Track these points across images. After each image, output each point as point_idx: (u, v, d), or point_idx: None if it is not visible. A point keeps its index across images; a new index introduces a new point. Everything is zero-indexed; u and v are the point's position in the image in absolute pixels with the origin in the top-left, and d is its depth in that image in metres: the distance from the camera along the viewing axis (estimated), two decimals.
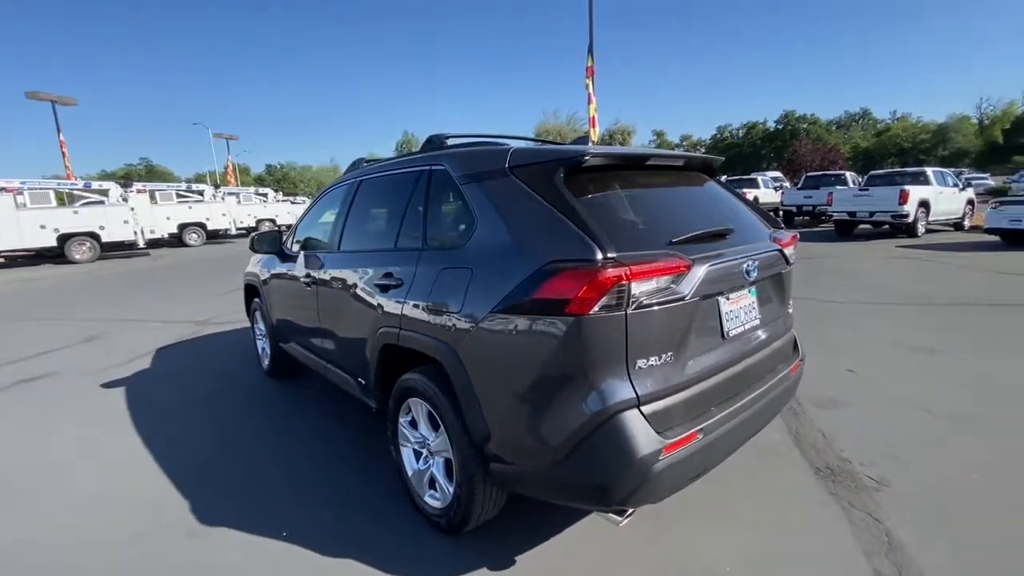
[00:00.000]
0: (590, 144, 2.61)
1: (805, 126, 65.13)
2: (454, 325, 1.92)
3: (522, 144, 2.33)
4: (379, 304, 2.41)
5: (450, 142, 2.54)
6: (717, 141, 71.16)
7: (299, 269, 3.36)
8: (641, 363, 1.67)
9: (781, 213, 16.93)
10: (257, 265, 4.26)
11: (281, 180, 66.06)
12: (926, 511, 2.26)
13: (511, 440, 1.81)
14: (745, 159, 68.07)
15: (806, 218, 16.89)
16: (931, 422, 3.05)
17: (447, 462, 2.19)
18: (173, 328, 6.15)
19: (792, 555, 2.05)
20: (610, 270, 1.58)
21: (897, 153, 61.68)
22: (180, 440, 3.18)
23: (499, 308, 1.77)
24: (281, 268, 3.68)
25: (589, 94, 13.21)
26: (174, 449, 3.07)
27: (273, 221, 22.87)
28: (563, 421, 1.67)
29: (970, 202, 13.82)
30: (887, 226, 12.51)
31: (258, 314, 4.40)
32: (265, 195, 24.33)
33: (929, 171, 12.91)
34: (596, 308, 1.59)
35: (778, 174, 24.13)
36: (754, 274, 2.04)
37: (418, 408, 2.27)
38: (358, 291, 2.63)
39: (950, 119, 64.90)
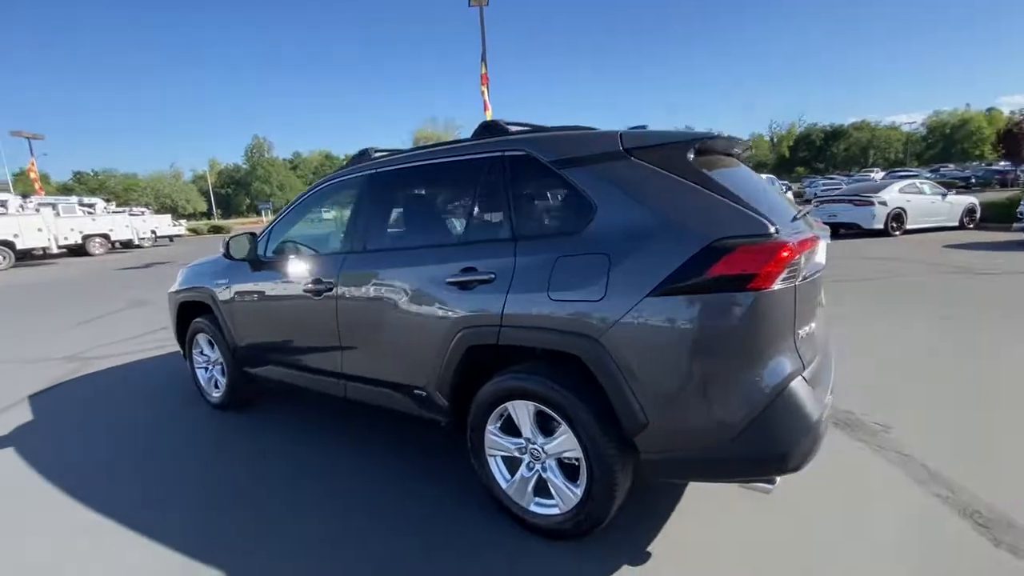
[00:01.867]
0: None
1: None
2: (595, 314, 1.81)
3: (598, 133, 2.26)
4: (457, 303, 2.17)
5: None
6: None
7: (292, 278, 2.88)
8: (800, 332, 1.76)
9: None
10: (203, 280, 3.55)
11: (97, 189, 55.50)
12: (936, 442, 2.69)
13: (675, 426, 1.76)
14: None
15: None
16: (883, 372, 3.65)
17: (563, 464, 2.05)
18: (39, 369, 4.82)
19: (861, 496, 2.29)
20: (789, 243, 1.64)
21: None
22: (147, 524, 2.34)
23: (659, 290, 1.71)
24: (256, 280, 3.12)
25: (485, 101, 13.38)
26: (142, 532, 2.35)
27: (106, 236, 19.12)
28: (741, 397, 1.68)
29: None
30: None
31: (202, 339, 3.67)
32: (92, 205, 20.22)
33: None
34: (777, 281, 1.63)
35: None
36: None
37: (520, 411, 2.09)
38: (413, 293, 2.33)
39: (751, 137, 78.59)
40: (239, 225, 46.09)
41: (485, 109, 13.46)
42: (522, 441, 2.13)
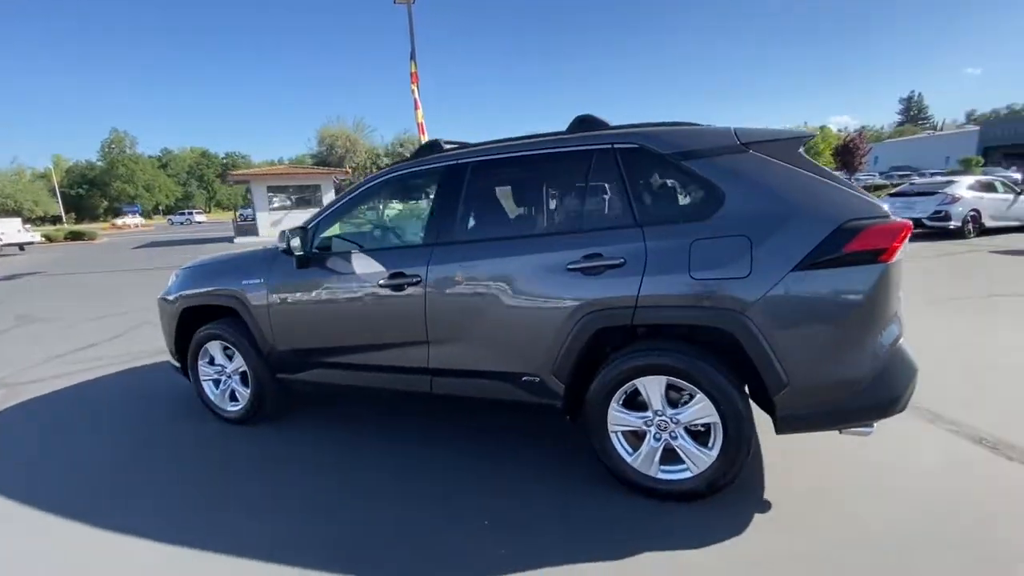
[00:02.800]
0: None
1: None
2: (742, 289, 2.02)
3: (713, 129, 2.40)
4: (581, 288, 2.26)
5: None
6: None
7: (359, 273, 2.76)
8: (900, 297, 2.12)
9: None
10: (222, 281, 3.22)
11: None
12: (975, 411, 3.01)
13: (813, 384, 2.02)
14: None
15: None
16: None
17: (690, 430, 2.24)
18: None
19: (895, 436, 2.76)
20: (908, 223, 1.98)
21: None
22: None
23: (800, 266, 1.97)
24: (306, 277, 2.91)
25: (415, 100, 13.13)
26: None
27: None
28: (870, 354, 1.99)
29: None
30: None
31: (214, 347, 3.30)
32: None
33: None
34: (897, 255, 1.97)
35: None
36: None
37: (652, 386, 2.24)
38: (526, 281, 2.38)
39: None
40: (104, 230, 40.17)
41: (416, 108, 13.19)
42: (648, 414, 2.28)
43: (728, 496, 2.27)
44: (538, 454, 2.78)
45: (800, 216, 2.03)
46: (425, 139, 13.30)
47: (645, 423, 2.30)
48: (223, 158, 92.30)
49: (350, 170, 24.77)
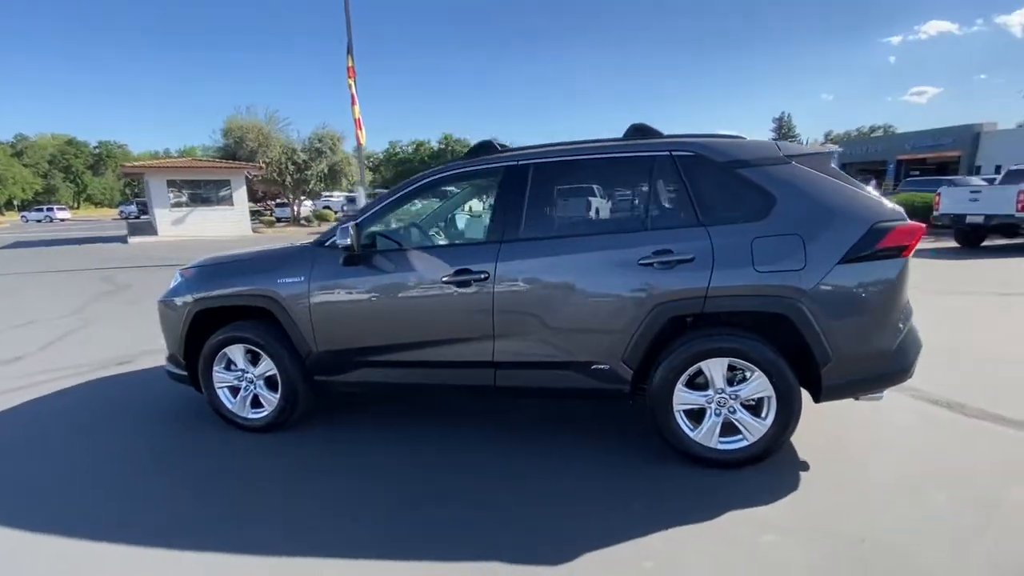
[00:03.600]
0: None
1: (461, 148, 76.46)
2: (799, 280, 2.37)
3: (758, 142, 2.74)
4: (653, 281, 2.50)
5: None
6: (390, 155, 75.46)
7: (418, 269, 2.79)
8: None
9: None
10: (251, 280, 3.05)
11: None
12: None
13: (851, 357, 2.42)
14: (415, 173, 74.97)
15: None
16: None
17: (745, 405, 2.55)
18: None
19: (907, 416, 3.32)
20: (921, 226, 2.44)
21: None
22: None
23: (843, 260, 2.36)
24: (356, 275, 2.86)
25: (352, 95, 12.68)
26: None
27: None
28: (893, 332, 2.44)
29: None
30: None
31: (235, 351, 3.10)
32: None
33: None
34: (913, 251, 2.42)
35: None
36: None
37: (715, 367, 2.52)
38: (597, 276, 2.58)
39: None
40: None
41: (352, 103, 12.72)
42: (710, 393, 2.57)
43: (770, 463, 2.62)
44: (599, 438, 2.97)
45: (841, 218, 2.42)
46: (363, 135, 12.92)
47: (707, 401, 2.58)
48: (95, 147, 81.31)
49: (264, 165, 23.07)
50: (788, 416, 2.48)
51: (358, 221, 2.89)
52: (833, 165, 2.59)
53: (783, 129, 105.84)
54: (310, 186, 26.69)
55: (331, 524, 2.26)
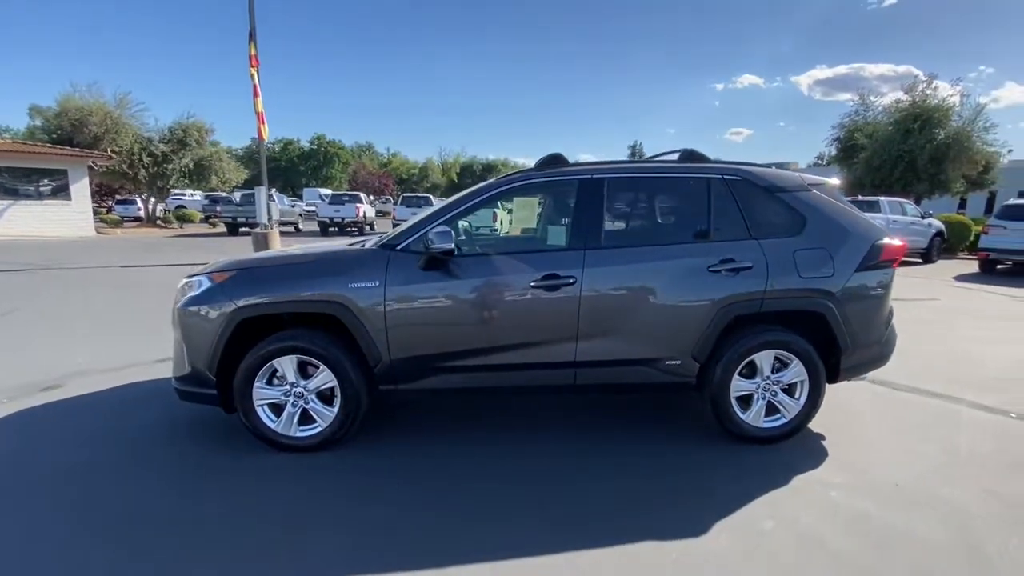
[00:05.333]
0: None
1: (335, 150, 72.59)
2: (830, 285, 2.95)
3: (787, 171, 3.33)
4: (721, 285, 2.91)
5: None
6: (254, 152, 68.70)
7: (506, 274, 2.88)
8: None
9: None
10: (318, 284, 2.84)
11: None
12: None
13: (863, 345, 3.06)
14: (283, 173, 69.21)
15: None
16: None
17: (784, 389, 3.07)
18: None
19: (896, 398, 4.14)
20: (905, 244, 3.19)
21: (399, 182, 77.61)
22: None
23: (858, 269, 3.00)
24: (441, 279, 2.83)
25: (255, 86, 11.56)
26: None
27: None
28: (884, 323, 3.15)
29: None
30: None
31: (286, 363, 2.84)
32: None
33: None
34: (899, 262, 3.16)
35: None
36: None
37: (765, 358, 3.00)
38: (673, 280, 2.92)
39: (427, 161, 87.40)
40: None
41: (255, 95, 11.55)
42: (758, 380, 3.05)
43: (798, 438, 3.17)
44: (657, 429, 3.28)
45: (854, 236, 3.07)
46: (265, 128, 11.86)
47: (756, 387, 3.05)
48: None
49: (113, 155, 19.56)
50: (817, 396, 3.05)
51: (421, 226, 2.89)
52: (838, 191, 3.26)
53: (636, 155, 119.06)
54: (171, 182, 23.26)
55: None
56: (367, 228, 21.98)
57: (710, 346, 2.95)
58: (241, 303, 2.79)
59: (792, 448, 3.05)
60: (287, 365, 2.85)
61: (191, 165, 23.06)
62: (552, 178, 3.15)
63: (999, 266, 11.96)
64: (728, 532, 2.25)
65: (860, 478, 2.72)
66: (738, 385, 3.02)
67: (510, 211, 7.29)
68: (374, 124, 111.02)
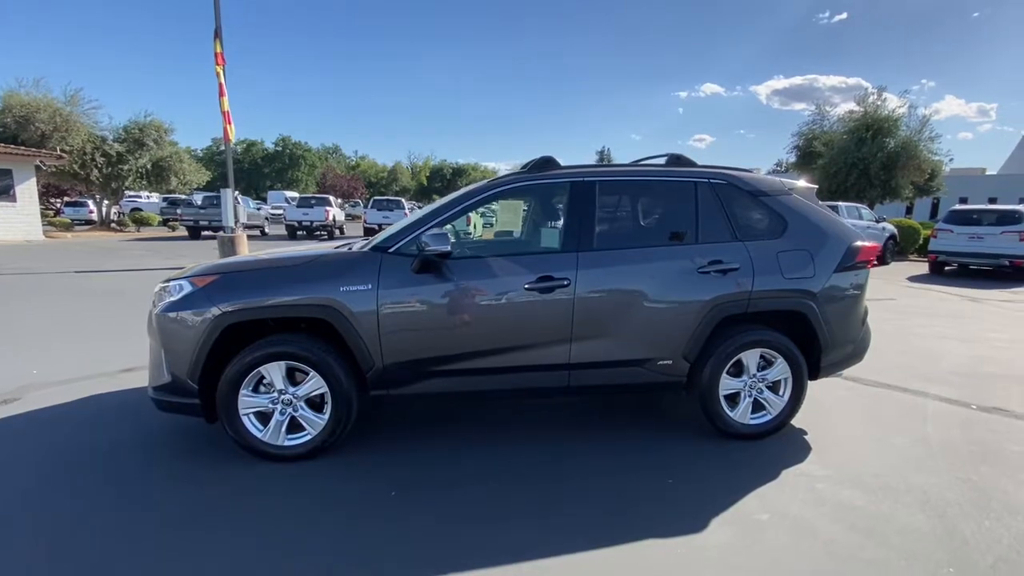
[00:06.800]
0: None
1: (301, 152, 71.00)
2: (812, 285, 3.07)
3: (768, 176, 3.46)
4: (710, 286, 2.98)
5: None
6: (215, 153, 66.39)
7: (499, 276, 2.88)
8: None
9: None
10: (307, 287, 2.76)
11: None
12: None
13: (840, 343, 3.19)
14: (247, 175, 67.19)
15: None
16: None
17: (768, 386, 3.17)
18: None
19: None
20: (877, 245, 3.34)
21: (368, 185, 76.55)
22: None
23: (836, 269, 3.13)
24: (432, 282, 2.80)
25: (220, 84, 11.19)
26: None
27: None
28: (860, 322, 3.29)
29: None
30: None
31: (273, 370, 2.76)
32: None
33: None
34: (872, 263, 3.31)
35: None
36: None
37: (751, 357, 3.10)
38: (665, 282, 2.98)
39: (396, 164, 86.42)
40: None
41: (221, 94, 11.16)
42: (745, 379, 3.14)
43: (781, 433, 3.28)
44: (651, 428, 3.32)
45: (832, 238, 3.20)
46: (232, 128, 11.50)
47: (743, 385, 3.14)
48: None
49: (64, 154, 18.50)
50: (800, 392, 3.16)
51: (409, 230, 2.87)
52: (814, 197, 3.40)
53: (604, 160, 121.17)
54: (127, 183, 22.18)
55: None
56: (336, 232, 21.57)
57: (700, 346, 3.02)
58: (226, 308, 2.69)
59: (777, 443, 3.15)
60: (275, 372, 2.76)
61: (149, 166, 22.07)
62: (545, 181, 3.16)
63: (947, 267, 12.70)
64: (727, 526, 2.30)
65: (842, 470, 2.83)
66: (726, 384, 3.10)
67: (482, 214, 7.27)
68: (341, 126, 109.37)
